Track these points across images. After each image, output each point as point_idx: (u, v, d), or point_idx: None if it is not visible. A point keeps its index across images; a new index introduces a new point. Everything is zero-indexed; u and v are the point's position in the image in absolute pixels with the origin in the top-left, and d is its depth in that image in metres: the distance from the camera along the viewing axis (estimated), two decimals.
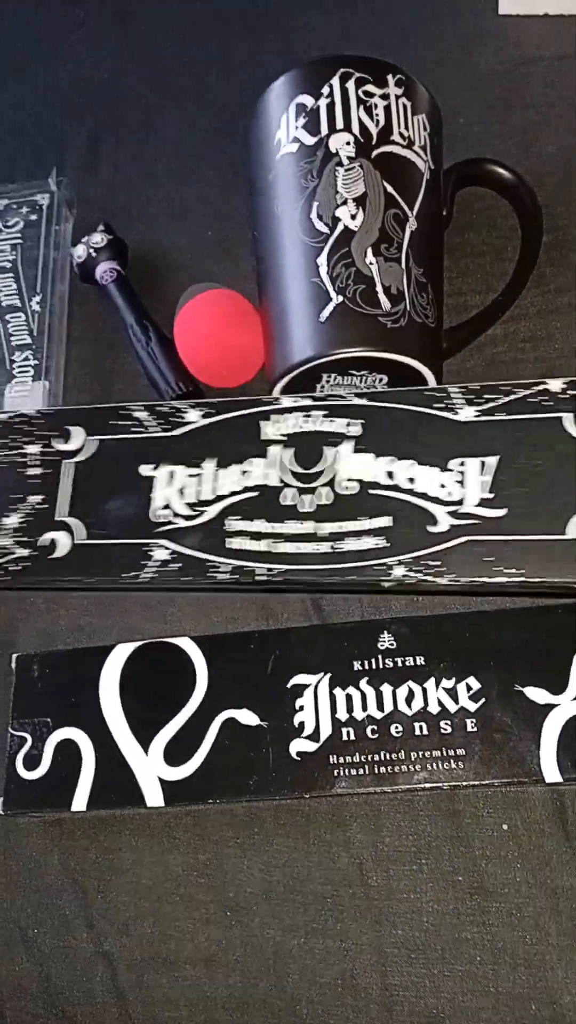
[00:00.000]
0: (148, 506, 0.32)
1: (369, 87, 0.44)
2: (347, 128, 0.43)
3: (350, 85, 0.44)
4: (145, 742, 0.39)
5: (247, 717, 0.39)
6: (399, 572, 0.29)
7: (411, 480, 0.30)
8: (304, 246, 0.42)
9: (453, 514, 0.29)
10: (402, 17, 0.60)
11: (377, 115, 0.44)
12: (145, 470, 0.32)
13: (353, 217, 0.42)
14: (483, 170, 0.49)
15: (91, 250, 0.54)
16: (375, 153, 0.43)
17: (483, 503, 0.29)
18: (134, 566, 0.31)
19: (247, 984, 0.39)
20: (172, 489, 0.32)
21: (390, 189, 0.43)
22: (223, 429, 0.32)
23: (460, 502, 0.29)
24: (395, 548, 0.29)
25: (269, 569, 0.30)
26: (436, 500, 0.30)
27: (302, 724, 0.38)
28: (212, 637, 0.41)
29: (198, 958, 0.39)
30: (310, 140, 0.43)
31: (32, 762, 0.41)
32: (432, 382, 0.43)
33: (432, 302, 0.43)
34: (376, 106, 0.44)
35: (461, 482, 0.30)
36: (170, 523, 0.31)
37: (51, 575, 0.32)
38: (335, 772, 0.37)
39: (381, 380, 0.43)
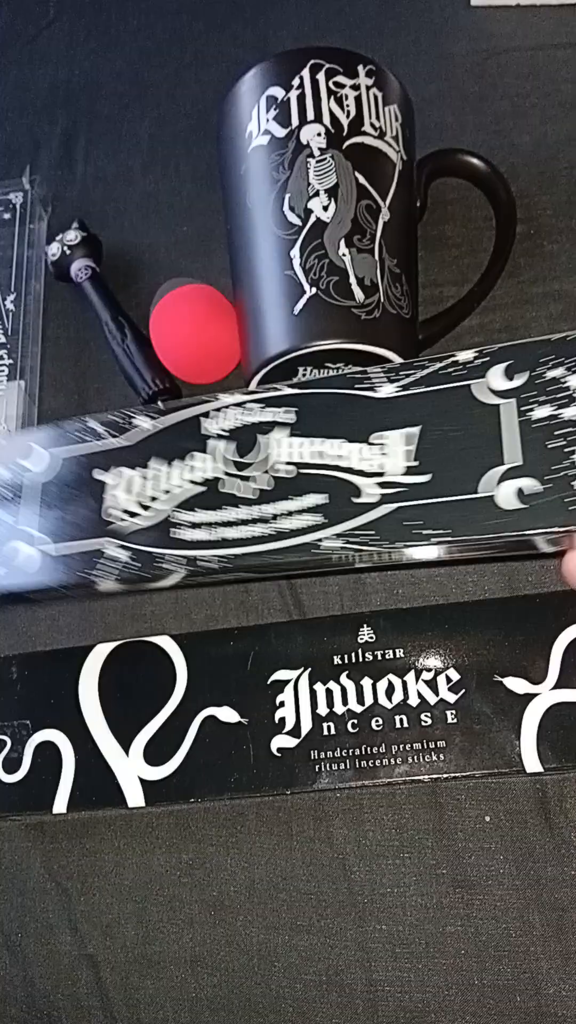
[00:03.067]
0: (100, 507, 0.33)
1: (339, 78, 0.44)
2: (318, 119, 0.43)
3: (320, 76, 0.44)
4: (125, 742, 0.39)
5: (227, 714, 0.39)
6: (336, 544, 0.30)
7: (340, 457, 0.31)
8: (277, 239, 0.42)
9: (381, 484, 0.31)
10: (375, 10, 0.60)
11: (348, 106, 0.43)
12: (98, 474, 0.33)
13: (325, 208, 0.42)
14: (457, 161, 0.49)
15: (65, 248, 0.54)
16: (346, 144, 0.43)
17: (408, 471, 0.31)
18: (88, 565, 0.32)
19: (232, 983, 0.38)
20: (120, 489, 0.33)
21: (362, 180, 0.42)
22: (169, 431, 0.34)
23: (384, 472, 0.31)
24: (330, 522, 0.31)
25: (219, 556, 0.30)
26: (363, 473, 0.31)
27: (282, 720, 0.38)
28: (191, 635, 0.41)
29: (182, 958, 0.39)
30: (281, 132, 0.43)
31: (12, 765, 0.40)
32: None
33: (406, 293, 0.43)
34: (347, 97, 0.43)
35: (386, 454, 0.31)
36: (121, 520, 0.32)
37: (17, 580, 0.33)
38: (316, 768, 0.37)
39: None
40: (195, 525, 0.32)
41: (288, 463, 0.32)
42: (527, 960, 0.36)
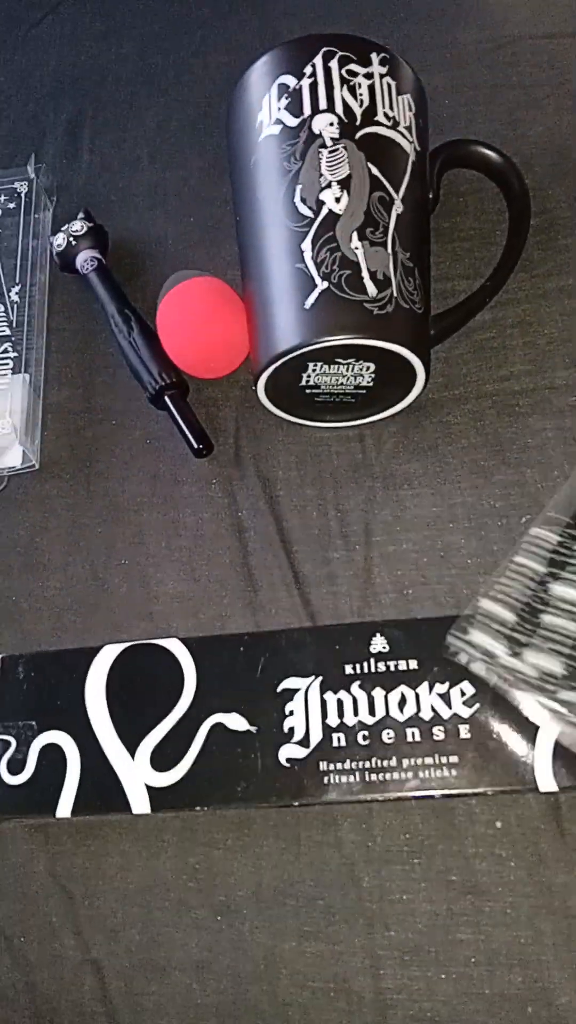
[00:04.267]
0: None
1: (353, 66, 0.43)
2: (330, 108, 0.42)
3: (333, 64, 0.43)
4: (132, 747, 0.38)
5: (236, 722, 0.38)
6: None
7: None
8: (288, 231, 0.41)
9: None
10: None
11: (361, 95, 0.42)
12: None
13: (337, 200, 0.41)
14: (470, 152, 0.48)
15: (71, 238, 0.53)
16: (359, 134, 0.42)
17: None
18: None
19: (238, 990, 0.38)
20: None
21: (375, 171, 0.41)
22: None
23: None
24: None
25: None
26: None
27: (292, 729, 0.37)
28: (200, 639, 0.40)
29: (188, 964, 0.39)
30: (293, 121, 0.42)
31: (16, 767, 0.40)
32: (420, 369, 0.42)
33: (419, 287, 0.42)
34: (360, 85, 0.43)
35: None
36: None
37: None
38: (325, 779, 0.36)
39: (368, 368, 0.42)
40: None
41: None
42: (538, 969, 0.36)
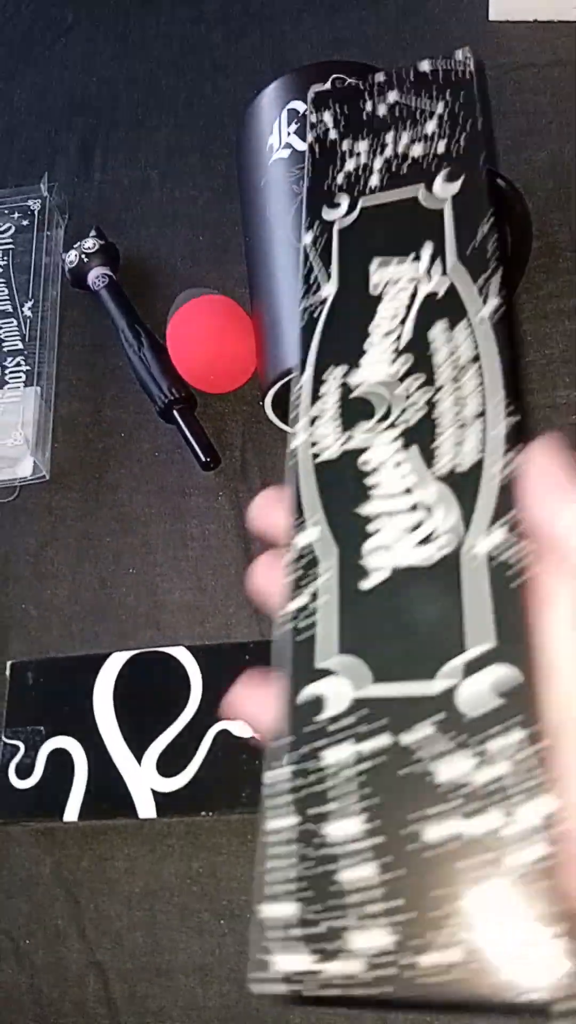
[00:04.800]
0: None
1: None
2: None
3: None
4: (138, 752, 0.39)
5: (241, 728, 0.39)
6: None
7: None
8: (296, 252, 0.42)
9: None
10: (393, 23, 0.61)
11: None
12: None
13: None
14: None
15: (83, 255, 0.54)
16: None
17: None
18: None
19: (241, 993, 0.38)
20: None
21: None
22: None
23: None
24: None
25: None
26: None
27: None
28: (207, 647, 0.41)
29: (191, 967, 0.39)
30: (302, 146, 0.43)
31: (24, 771, 0.40)
32: None
33: None
34: None
35: None
36: None
37: None
38: None
39: None
40: None
41: None
42: None
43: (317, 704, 0.24)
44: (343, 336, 0.29)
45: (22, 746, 0.41)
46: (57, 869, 0.42)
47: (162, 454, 0.50)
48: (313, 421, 0.28)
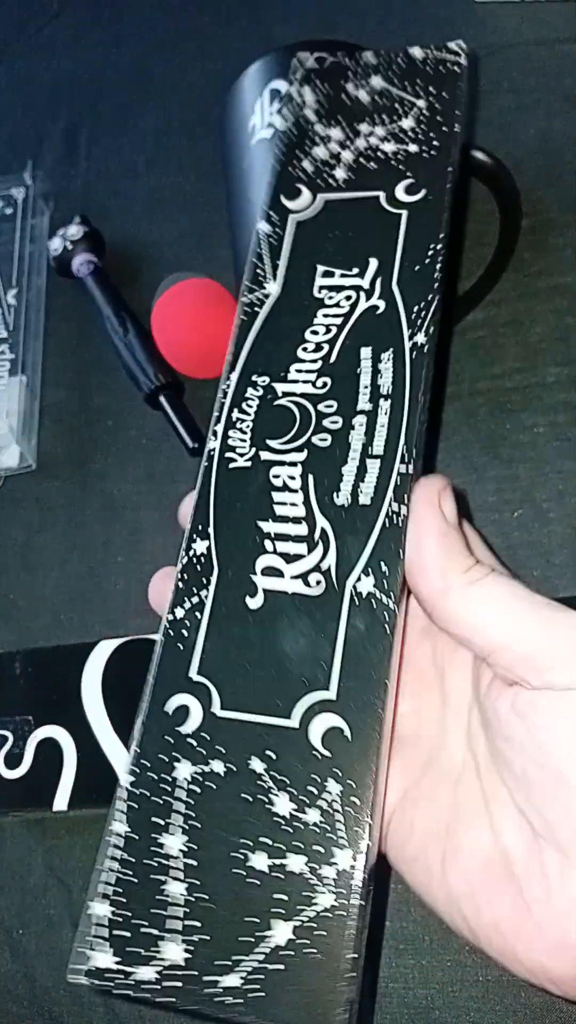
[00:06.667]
0: None
1: None
2: None
3: None
4: (128, 741, 0.39)
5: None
6: None
7: None
8: None
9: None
10: (378, 4, 0.60)
11: None
12: None
13: None
14: (462, 155, 0.48)
15: (67, 243, 0.53)
16: None
17: None
18: None
19: None
20: None
21: None
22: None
23: None
24: None
25: None
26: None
27: None
28: None
29: None
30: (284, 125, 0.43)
31: (13, 761, 0.40)
32: None
33: None
34: None
35: None
36: None
37: None
38: None
39: None
40: None
41: None
42: None
43: (182, 714, 0.24)
44: (278, 341, 0.28)
45: (10, 736, 0.40)
46: (48, 859, 0.41)
47: (150, 441, 0.50)
48: (232, 424, 0.27)
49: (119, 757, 0.39)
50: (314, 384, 0.27)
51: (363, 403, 0.26)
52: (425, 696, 0.28)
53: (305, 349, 0.28)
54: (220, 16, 0.64)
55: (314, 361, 0.27)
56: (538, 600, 0.24)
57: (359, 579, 0.24)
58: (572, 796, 0.22)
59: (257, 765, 0.23)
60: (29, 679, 0.41)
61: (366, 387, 0.27)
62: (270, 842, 0.22)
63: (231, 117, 0.46)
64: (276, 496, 0.26)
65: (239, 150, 0.45)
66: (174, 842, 0.23)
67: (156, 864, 0.22)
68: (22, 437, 0.50)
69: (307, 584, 0.25)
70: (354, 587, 0.24)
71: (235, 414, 0.27)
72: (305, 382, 0.27)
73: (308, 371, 0.27)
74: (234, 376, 0.28)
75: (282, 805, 0.22)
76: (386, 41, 0.58)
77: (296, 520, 0.25)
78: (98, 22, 0.67)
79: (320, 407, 0.27)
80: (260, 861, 0.22)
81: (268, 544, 0.25)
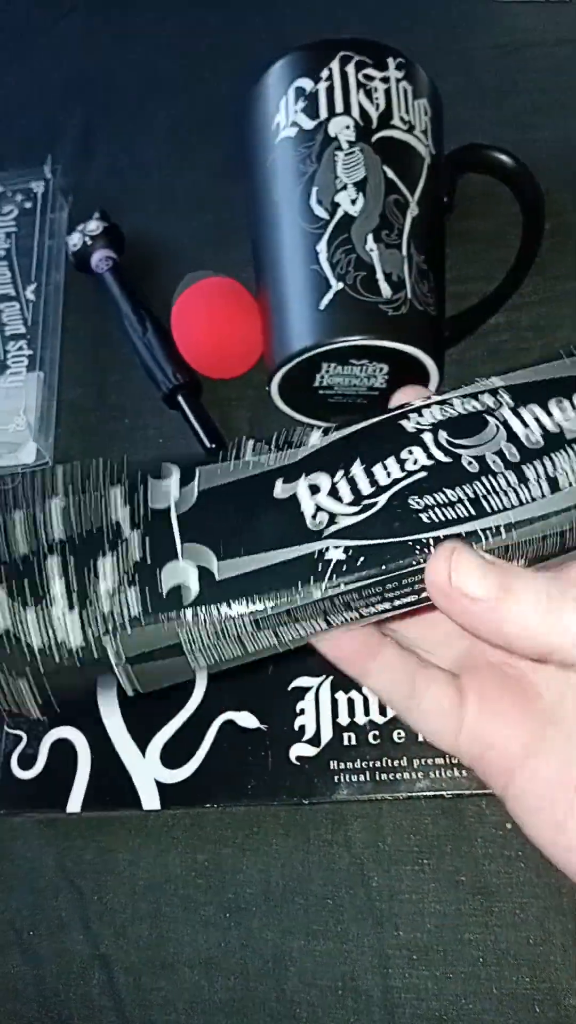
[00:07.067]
0: (301, 520, 0.27)
1: (369, 70, 0.43)
2: (347, 112, 0.42)
3: (350, 68, 0.43)
4: (142, 743, 0.39)
5: (246, 719, 0.38)
6: None
7: None
8: (303, 232, 0.41)
9: None
10: (394, 2, 0.59)
11: (377, 99, 0.43)
12: (280, 491, 0.28)
13: (353, 202, 0.41)
14: (484, 156, 0.48)
15: (87, 238, 0.53)
16: (375, 137, 0.42)
17: None
18: (306, 579, 0.26)
19: (246, 987, 0.38)
20: (322, 495, 0.27)
21: (391, 174, 0.42)
22: (355, 438, 0.29)
23: None
24: None
25: (485, 528, 0.26)
26: None
27: (303, 728, 0.37)
28: None
29: (196, 961, 0.39)
30: (309, 124, 0.42)
31: (27, 761, 0.40)
32: (434, 372, 0.42)
33: (433, 290, 0.42)
34: (376, 90, 0.43)
35: None
36: (333, 523, 0.27)
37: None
38: (336, 778, 0.37)
39: (382, 369, 0.42)
40: (441, 505, 0.26)
41: (535, 434, 0.27)
42: (546, 970, 0.36)
43: None
44: None
45: (24, 736, 0.40)
46: (60, 860, 0.41)
47: (167, 440, 0.49)
48: None
49: (134, 759, 0.39)
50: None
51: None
52: None
53: None
54: (232, 14, 0.64)
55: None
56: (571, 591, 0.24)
57: None
58: None
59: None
60: None
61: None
62: None
63: (254, 115, 0.45)
64: None
65: (263, 148, 0.44)
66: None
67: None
68: (39, 434, 0.50)
69: None
70: None
71: None
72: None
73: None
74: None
75: None
76: (404, 39, 0.57)
77: None
78: (111, 19, 0.67)
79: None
80: None
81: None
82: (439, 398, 0.29)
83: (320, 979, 0.38)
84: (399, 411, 0.29)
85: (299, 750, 0.37)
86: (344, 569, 0.26)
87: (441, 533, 0.26)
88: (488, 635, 0.24)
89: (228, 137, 0.55)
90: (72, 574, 0.27)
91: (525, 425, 0.28)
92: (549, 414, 0.28)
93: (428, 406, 0.29)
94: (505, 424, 0.28)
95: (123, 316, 0.50)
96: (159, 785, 0.38)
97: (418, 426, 0.28)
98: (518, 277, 0.47)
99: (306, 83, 0.43)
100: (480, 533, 0.25)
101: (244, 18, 0.63)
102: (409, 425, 0.28)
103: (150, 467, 0.29)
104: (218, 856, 0.40)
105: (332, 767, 0.37)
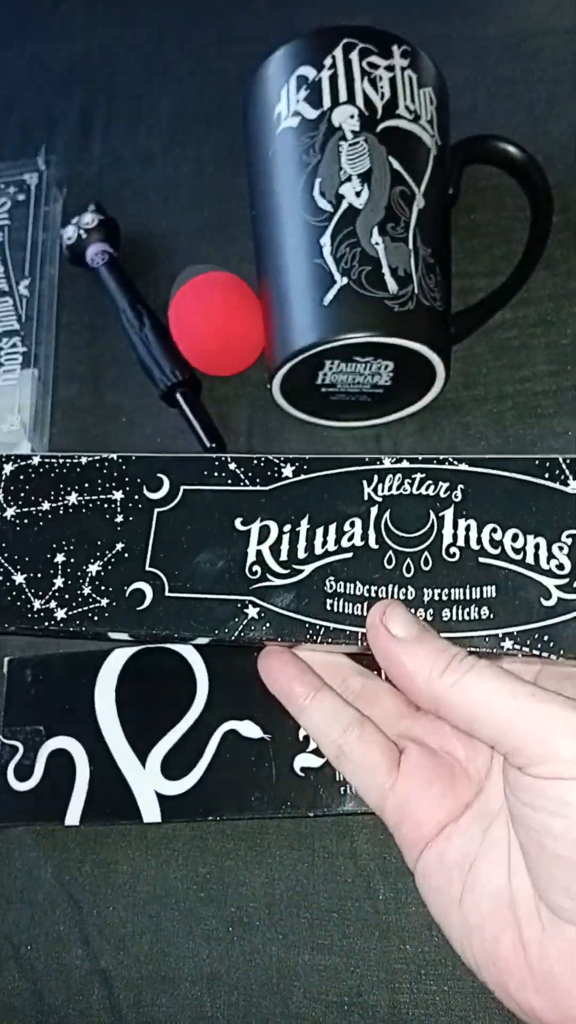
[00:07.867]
0: (242, 561, 0.30)
1: (374, 58, 0.42)
2: (351, 101, 0.41)
3: (354, 56, 0.42)
4: (142, 754, 0.38)
5: (249, 729, 0.37)
6: (507, 645, 0.28)
7: (518, 551, 0.28)
8: (306, 225, 0.40)
9: (564, 588, 0.28)
10: None
11: (382, 87, 0.41)
12: (239, 524, 0.31)
13: (358, 194, 0.40)
14: (492, 148, 0.47)
15: (82, 231, 0.52)
16: (380, 127, 0.41)
17: None
18: (226, 622, 0.30)
19: (250, 1003, 0.37)
20: (265, 545, 0.30)
21: (396, 165, 0.40)
22: (318, 486, 0.31)
23: (572, 575, 0.28)
24: (500, 620, 0.28)
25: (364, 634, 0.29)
26: (547, 572, 0.28)
27: (307, 738, 0.36)
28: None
29: (199, 976, 0.38)
30: (312, 114, 0.41)
31: (24, 773, 0.39)
32: (440, 369, 0.41)
33: (440, 284, 0.41)
34: (381, 78, 0.41)
35: (571, 556, 0.28)
36: (264, 580, 0.30)
37: (133, 627, 0.31)
38: (341, 790, 0.35)
39: (387, 367, 0.41)
40: (347, 597, 0.29)
41: (455, 546, 0.29)
42: None
43: None
44: None
45: (21, 747, 0.39)
46: (59, 873, 0.40)
47: (165, 439, 0.48)
48: None
49: (133, 770, 0.37)
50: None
51: None
52: (479, 743, 0.30)
53: None
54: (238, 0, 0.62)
55: None
56: (520, 689, 0.26)
57: None
58: (565, 869, 0.25)
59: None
60: (40, 687, 0.40)
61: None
62: None
63: (255, 104, 0.44)
64: None
65: (264, 139, 0.43)
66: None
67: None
68: (34, 433, 0.48)
69: None
70: None
71: None
72: None
73: None
74: None
75: None
76: (413, 27, 0.56)
77: None
78: (112, 2, 0.65)
79: None
80: None
81: None
82: (408, 465, 0.30)
83: (326, 994, 0.37)
84: (368, 465, 0.31)
85: (304, 760, 0.36)
86: (253, 629, 0.30)
87: (331, 625, 0.29)
88: (398, 676, 0.27)
89: (232, 127, 0.54)
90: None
91: (454, 536, 0.29)
92: (491, 538, 0.29)
93: (393, 472, 0.30)
94: (440, 523, 0.29)
95: (120, 311, 0.49)
96: (160, 797, 0.37)
97: (371, 496, 0.30)
98: (525, 272, 0.45)
99: (309, 71, 0.42)
100: (358, 636, 0.29)
101: (251, 3, 0.61)
102: (366, 490, 0.30)
103: (147, 477, 0.33)
104: (220, 869, 0.39)
105: (338, 778, 0.36)
